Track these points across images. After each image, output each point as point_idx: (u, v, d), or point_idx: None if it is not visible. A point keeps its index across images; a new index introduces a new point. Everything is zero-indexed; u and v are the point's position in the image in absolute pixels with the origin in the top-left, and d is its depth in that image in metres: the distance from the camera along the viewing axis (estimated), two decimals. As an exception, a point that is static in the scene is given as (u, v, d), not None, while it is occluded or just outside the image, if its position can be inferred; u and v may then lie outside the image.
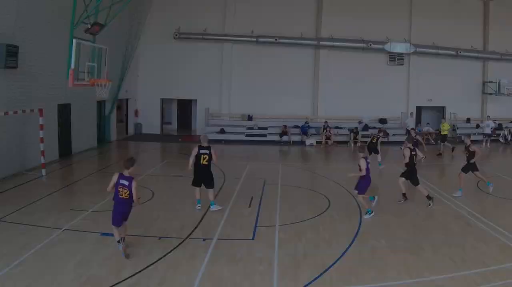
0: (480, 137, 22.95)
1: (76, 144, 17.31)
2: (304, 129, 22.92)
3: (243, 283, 6.50)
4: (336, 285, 6.50)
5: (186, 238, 8.33)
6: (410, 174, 10.94)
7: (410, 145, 10.99)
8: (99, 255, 7.34)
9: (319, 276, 6.74)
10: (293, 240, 8.34)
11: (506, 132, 23.70)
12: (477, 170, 12.01)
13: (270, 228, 8.95)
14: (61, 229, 8.52)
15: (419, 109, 25.95)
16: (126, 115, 24.61)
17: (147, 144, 21.09)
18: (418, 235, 8.66)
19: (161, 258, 7.32)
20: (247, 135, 23.08)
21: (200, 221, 9.35)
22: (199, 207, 10.11)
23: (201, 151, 9.88)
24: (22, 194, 11.16)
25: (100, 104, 20.09)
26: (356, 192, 10.06)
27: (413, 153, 10.84)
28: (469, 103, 25.56)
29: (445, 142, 19.55)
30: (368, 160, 9.82)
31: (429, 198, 10.75)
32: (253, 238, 8.41)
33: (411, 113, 23.20)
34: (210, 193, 10.08)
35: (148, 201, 10.81)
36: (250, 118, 24.23)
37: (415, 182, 10.93)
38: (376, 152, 15.40)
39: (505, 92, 24.34)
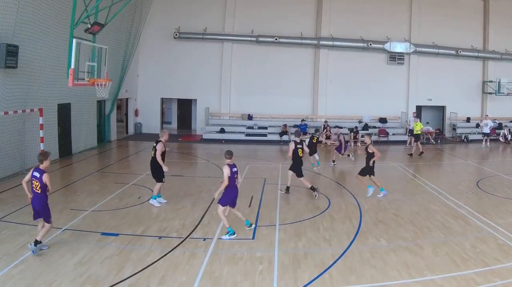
0: (480, 136, 22.99)
1: (76, 143, 17.31)
2: (303, 129, 22.91)
3: (243, 283, 6.51)
4: (336, 284, 6.51)
5: (186, 237, 8.34)
6: (294, 166, 11.44)
7: (296, 139, 11.49)
8: (99, 254, 7.34)
9: (319, 276, 6.74)
10: (293, 239, 8.35)
11: (506, 131, 23.69)
12: (373, 174, 11.50)
13: (270, 228, 8.95)
14: (61, 228, 8.52)
15: (419, 108, 25.94)
16: (126, 115, 24.63)
17: (147, 144, 21.03)
18: (418, 234, 8.66)
19: (161, 257, 7.32)
20: (247, 135, 23.08)
21: (200, 220, 9.36)
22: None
23: (154, 144, 10.42)
24: (22, 193, 11.07)
25: (100, 104, 20.09)
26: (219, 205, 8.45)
27: (299, 146, 11.40)
28: (469, 102, 25.54)
29: (418, 142, 19.15)
30: (234, 169, 8.31)
31: (313, 189, 11.34)
32: (253, 238, 8.41)
33: (414, 113, 22.97)
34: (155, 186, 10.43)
35: (148, 200, 10.80)
36: (250, 117, 24.23)
37: (299, 174, 11.44)
38: (314, 152, 15.13)
39: (505, 92, 24.31)
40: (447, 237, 8.49)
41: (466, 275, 6.74)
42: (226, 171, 8.16)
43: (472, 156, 19.66)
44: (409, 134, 22.09)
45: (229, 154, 8.41)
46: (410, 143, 21.83)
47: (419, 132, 19.52)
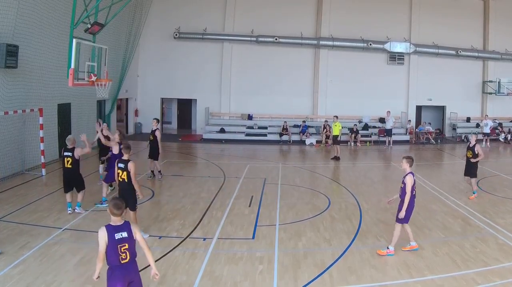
0: (480, 136, 22.97)
1: (76, 143, 17.26)
2: (303, 130, 22.91)
3: (243, 282, 6.51)
4: (336, 284, 6.51)
5: (186, 237, 8.34)
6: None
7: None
8: (99, 254, 7.33)
9: (319, 275, 6.75)
10: (293, 239, 8.35)
11: (506, 131, 23.68)
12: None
13: (270, 227, 8.96)
14: (61, 228, 8.53)
15: (419, 108, 25.96)
16: (126, 115, 24.62)
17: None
18: (418, 234, 8.64)
19: (161, 257, 7.33)
20: (247, 134, 23.07)
21: (200, 220, 9.36)
22: (69, 211, 9.61)
23: (65, 153, 9.37)
24: (22, 193, 11.17)
25: (100, 104, 20.09)
26: None
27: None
28: (469, 102, 25.53)
29: (337, 145, 17.67)
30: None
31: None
32: (253, 237, 8.42)
33: (388, 112, 21.70)
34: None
35: (148, 201, 10.81)
36: (250, 117, 24.23)
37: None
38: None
39: (505, 92, 24.31)
40: (447, 237, 8.49)
41: (466, 275, 6.74)
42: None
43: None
44: (385, 134, 21.99)
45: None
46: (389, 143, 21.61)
47: (338, 133, 17.79)
